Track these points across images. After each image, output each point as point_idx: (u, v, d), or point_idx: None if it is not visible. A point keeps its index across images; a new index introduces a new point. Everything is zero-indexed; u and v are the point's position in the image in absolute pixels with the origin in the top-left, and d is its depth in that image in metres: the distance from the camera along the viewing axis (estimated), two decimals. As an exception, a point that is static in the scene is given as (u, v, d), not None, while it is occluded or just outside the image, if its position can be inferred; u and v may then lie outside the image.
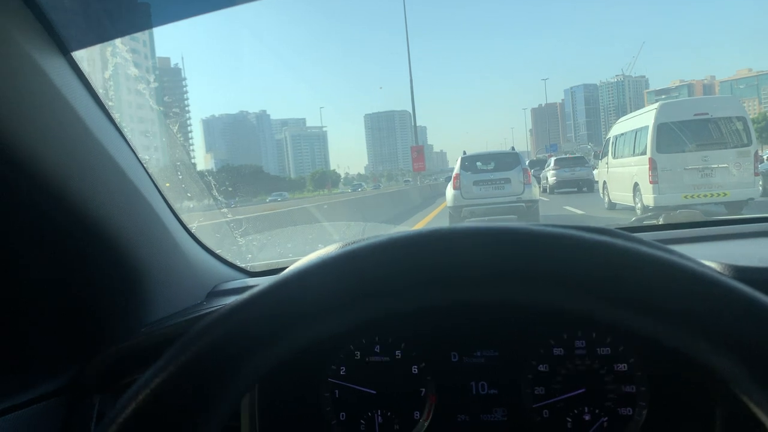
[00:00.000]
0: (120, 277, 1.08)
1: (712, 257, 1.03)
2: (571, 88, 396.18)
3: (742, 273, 0.98)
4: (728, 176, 11.90)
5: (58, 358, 1.08)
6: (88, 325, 1.10)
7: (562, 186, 22.35)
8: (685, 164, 12.17)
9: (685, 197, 11.88)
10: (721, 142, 12.14)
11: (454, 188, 13.39)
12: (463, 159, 14.00)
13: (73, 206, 0.92)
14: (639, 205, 13.06)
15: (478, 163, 13.94)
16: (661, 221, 2.03)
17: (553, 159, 24.08)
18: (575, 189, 22.21)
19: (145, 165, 1.15)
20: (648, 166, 12.38)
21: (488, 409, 1.12)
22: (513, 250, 0.52)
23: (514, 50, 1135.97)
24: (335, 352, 1.17)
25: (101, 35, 1.10)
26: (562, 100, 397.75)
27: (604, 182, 16.11)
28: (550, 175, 22.80)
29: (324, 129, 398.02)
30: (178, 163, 2.83)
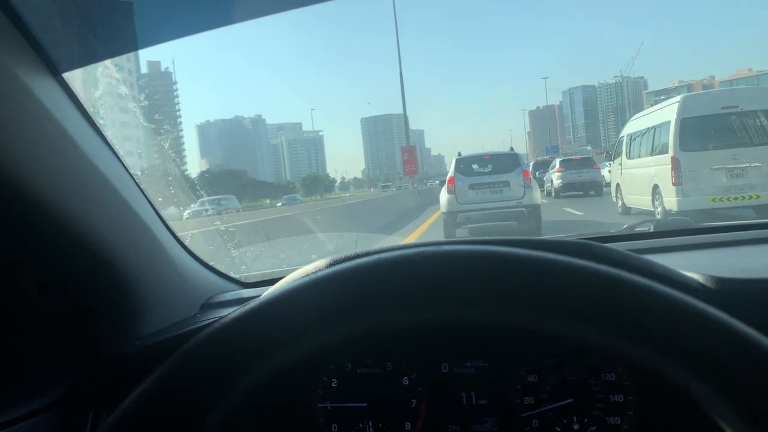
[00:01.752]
0: (113, 290, 1.07)
1: (698, 267, 1.04)
2: (569, 89, 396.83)
3: (725, 284, 0.98)
4: (761, 176, 10.86)
5: (50, 373, 1.07)
6: (81, 338, 1.09)
7: (568, 189, 21.06)
8: (713, 163, 10.98)
9: (713, 200, 10.90)
10: (753, 139, 10.97)
11: (449, 192, 12.34)
12: (457, 161, 12.99)
13: (65, 222, 0.91)
14: (659, 209, 11.97)
15: (475, 166, 12.98)
16: (651, 229, 1.96)
17: (558, 160, 22.82)
18: (581, 192, 20.92)
19: (137, 180, 1.15)
20: (670, 166, 11.34)
21: (478, 419, 1.13)
22: (495, 274, 0.56)
23: (512, 52, 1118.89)
24: (326, 365, 1.18)
25: (91, 56, 1.13)
26: (560, 102, 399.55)
27: (617, 185, 15.11)
28: (555, 178, 21.55)
29: (320, 133, 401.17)
30: (171, 178, 2.91)
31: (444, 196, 12.55)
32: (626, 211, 13.99)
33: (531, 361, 1.12)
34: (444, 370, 1.15)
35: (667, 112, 11.81)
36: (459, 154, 13.45)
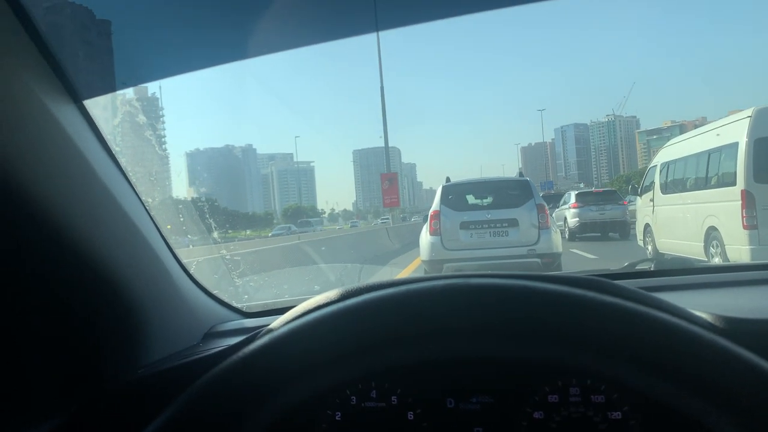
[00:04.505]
0: (117, 316, 1.08)
1: (703, 307, 1.06)
2: (562, 127, 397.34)
3: (734, 324, 1.00)
4: None
5: (51, 400, 1.07)
6: (84, 365, 1.09)
7: (586, 230, 17.19)
8: (802, 200, 8.23)
9: (806, 251, 8.04)
10: None
11: (432, 233, 8.81)
12: (445, 189, 9.31)
13: (74, 246, 0.93)
14: (717, 259, 8.96)
15: (469, 196, 9.49)
16: (652, 267, 1.93)
17: (573, 193, 18.77)
18: (599, 234, 17.17)
19: (147, 207, 1.18)
20: (740, 203, 8.41)
21: None
22: (494, 307, 0.59)
23: (505, 88, 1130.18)
24: (330, 398, 1.15)
25: (112, 85, 1.19)
26: (552, 139, 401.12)
27: (647, 225, 12.07)
28: (569, 216, 17.63)
29: (311, 164, 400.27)
30: (180, 206, 3.06)
31: (425, 238, 9.04)
32: (659, 257, 10.95)
33: (537, 398, 1.08)
34: (449, 406, 1.12)
35: (731, 130, 8.92)
36: (447, 180, 9.70)
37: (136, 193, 1.14)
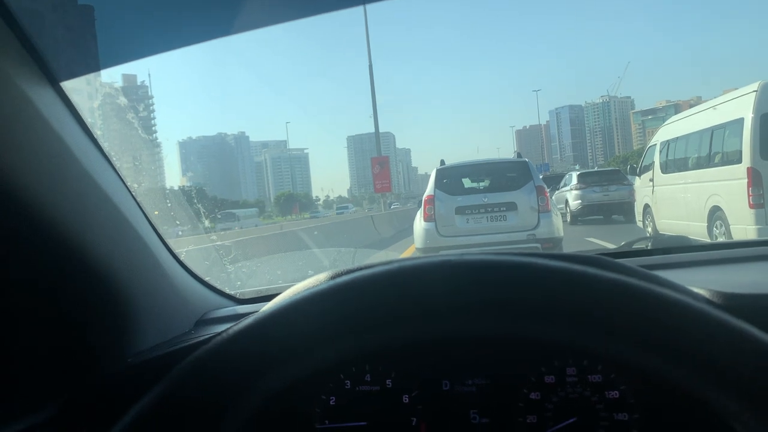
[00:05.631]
0: (107, 304, 1.06)
1: (702, 283, 1.04)
2: (556, 109, 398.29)
3: (733, 300, 0.98)
4: None
5: (42, 390, 1.06)
6: (74, 354, 1.07)
7: (590, 212, 16.40)
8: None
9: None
10: None
11: (426, 219, 8.43)
12: (439, 172, 8.92)
13: (59, 235, 0.91)
14: (722, 239, 8.69)
15: (465, 180, 9.08)
16: (650, 246, 1.91)
17: (575, 174, 17.90)
18: (602, 216, 16.38)
19: (133, 193, 1.16)
20: (746, 181, 8.12)
21: None
22: (489, 283, 0.57)
23: (499, 70, 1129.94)
24: (325, 382, 1.14)
25: (90, 65, 1.14)
26: (547, 121, 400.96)
27: (646, 206, 11.79)
28: (572, 198, 16.82)
29: (305, 151, 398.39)
30: (168, 191, 3.01)
31: (419, 224, 8.64)
32: (657, 237, 10.66)
33: (533, 379, 1.08)
34: (445, 388, 1.11)
35: (736, 106, 8.59)
36: (442, 163, 9.32)
37: (121, 178, 1.11)
